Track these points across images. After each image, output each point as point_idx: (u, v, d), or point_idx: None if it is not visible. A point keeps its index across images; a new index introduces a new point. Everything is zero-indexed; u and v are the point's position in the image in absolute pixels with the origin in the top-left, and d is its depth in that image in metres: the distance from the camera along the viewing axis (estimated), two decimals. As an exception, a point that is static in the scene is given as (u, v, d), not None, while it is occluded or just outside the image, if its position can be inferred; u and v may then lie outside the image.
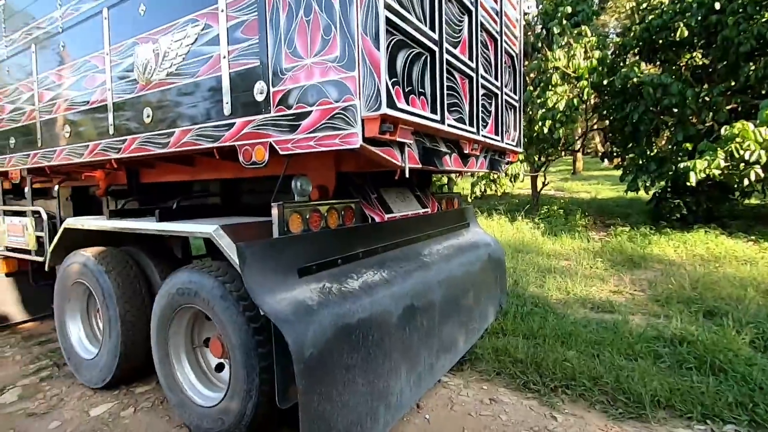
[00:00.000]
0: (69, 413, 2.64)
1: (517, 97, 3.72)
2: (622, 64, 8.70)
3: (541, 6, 9.06)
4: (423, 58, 1.95)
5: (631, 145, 8.82)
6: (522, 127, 3.84)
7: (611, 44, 8.98)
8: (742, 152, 5.69)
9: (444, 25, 2.07)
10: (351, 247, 2.18)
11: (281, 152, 1.81)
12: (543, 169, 10.33)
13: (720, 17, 7.11)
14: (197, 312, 2.28)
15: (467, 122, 2.58)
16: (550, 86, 8.18)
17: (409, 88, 1.83)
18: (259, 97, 1.85)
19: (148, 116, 2.34)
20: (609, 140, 10.31)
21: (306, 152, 1.74)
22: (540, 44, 9.37)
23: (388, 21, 1.61)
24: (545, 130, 8.18)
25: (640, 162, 8.18)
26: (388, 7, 1.59)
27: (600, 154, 13.76)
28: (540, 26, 9.84)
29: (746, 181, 5.99)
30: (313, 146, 1.70)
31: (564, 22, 8.25)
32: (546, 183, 10.62)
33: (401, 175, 1.89)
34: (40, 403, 2.79)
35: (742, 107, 7.39)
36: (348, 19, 1.58)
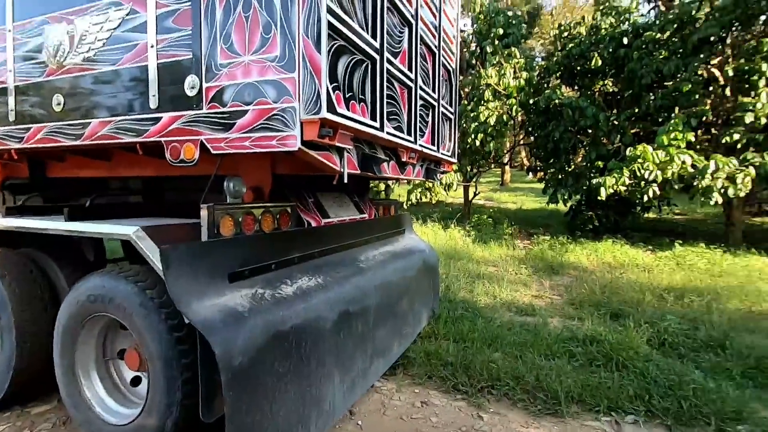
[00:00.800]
0: (-56, 441, 2.27)
1: (452, 110, 3.89)
2: (546, 86, 9.44)
3: (476, 25, 9.57)
4: (364, 65, 1.97)
5: (552, 160, 9.58)
6: (456, 138, 4.01)
7: (537, 67, 9.71)
8: (642, 172, 6.42)
9: (385, 35, 2.11)
10: (286, 251, 2.12)
11: (213, 151, 1.72)
12: (474, 179, 10.86)
13: (627, 51, 8.00)
14: (111, 321, 2.08)
15: (405, 131, 2.64)
16: (482, 101, 8.64)
17: (350, 93, 1.83)
18: (191, 92, 1.75)
19: (58, 104, 2.10)
20: (534, 155, 11.11)
21: (240, 152, 1.68)
22: (474, 61, 9.90)
23: (330, 25, 1.60)
24: (477, 143, 8.62)
25: (560, 177, 8.90)
26: (330, 11, 1.59)
27: (526, 167, 14.77)
28: (475, 44, 10.40)
29: (646, 197, 6.76)
30: (248, 147, 1.64)
31: (496, 42, 8.79)
32: (477, 193, 11.18)
33: (339, 180, 1.89)
34: None
35: (643, 132, 8.36)
36: (289, 20, 1.55)
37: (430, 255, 3.91)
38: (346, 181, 1.86)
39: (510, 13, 9.52)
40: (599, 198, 7.08)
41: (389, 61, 2.23)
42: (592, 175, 7.87)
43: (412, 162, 2.80)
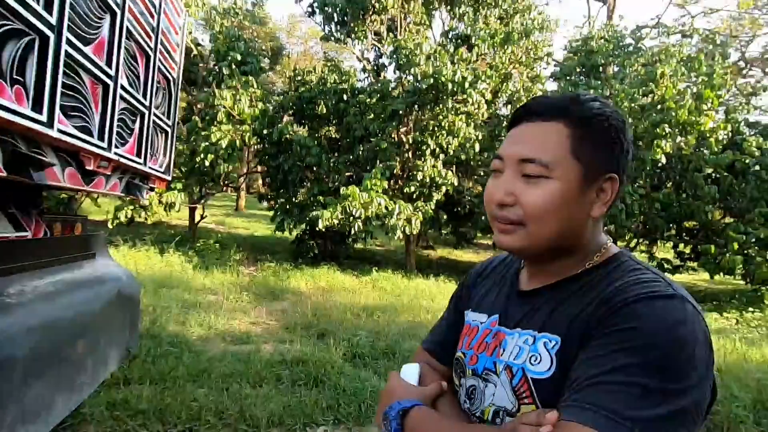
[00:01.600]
0: None
1: (170, 123, 3.53)
2: (280, 120, 10.01)
3: (214, 44, 9.27)
4: (26, 39, 1.52)
5: (282, 190, 10.12)
6: (173, 154, 3.66)
7: (273, 100, 10.21)
8: (351, 209, 7.60)
9: (67, 12, 1.71)
10: None
11: None
12: (203, 201, 10.20)
13: (346, 106, 9.48)
14: None
15: (97, 135, 2.19)
16: (215, 122, 8.33)
17: (-6, 69, 1.37)
18: None
19: None
20: (266, 184, 11.45)
21: None
22: (211, 79, 9.49)
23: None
24: (207, 164, 8.17)
25: (287, 207, 9.47)
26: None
27: (259, 195, 15.03)
28: (213, 63, 10.03)
29: (353, 230, 8.00)
30: None
31: (233, 67, 8.74)
32: (204, 216, 10.50)
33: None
34: None
35: (355, 175, 9.97)
36: None
37: (128, 284, 3.31)
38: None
39: (251, 44, 9.73)
40: (318, 228, 7.88)
41: (73, 45, 1.82)
42: (314, 207, 8.73)
43: (103, 172, 2.34)
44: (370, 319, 5.65)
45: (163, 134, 3.44)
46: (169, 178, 3.58)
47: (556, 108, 0.73)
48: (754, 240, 8.52)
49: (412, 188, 8.75)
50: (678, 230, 10.14)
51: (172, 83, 3.50)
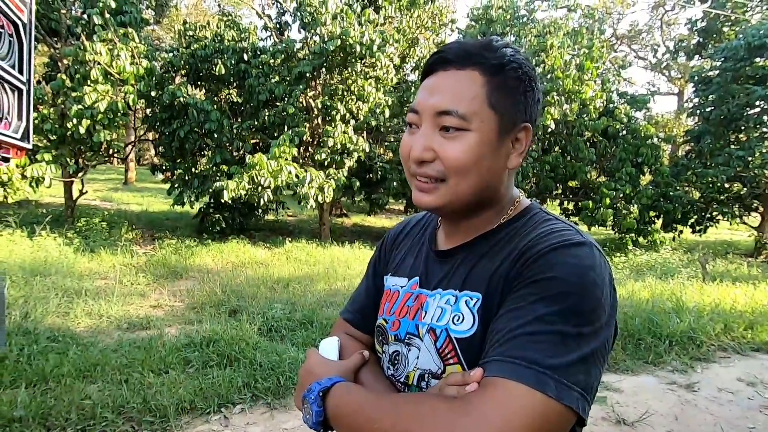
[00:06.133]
0: None
1: (24, 79, 2.91)
2: (171, 80, 8.93)
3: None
4: None
5: (179, 160, 9.18)
6: (32, 117, 3.05)
7: (160, 58, 9.04)
8: (259, 178, 7.19)
9: None
10: None
11: None
12: (81, 174, 8.86)
13: (247, 67, 8.76)
14: None
15: None
16: (89, 81, 7.14)
17: None
18: None
19: None
20: (159, 154, 10.29)
21: None
22: (79, 29, 8.04)
23: None
24: (82, 131, 7.04)
25: (186, 178, 8.66)
26: None
27: (151, 166, 13.50)
28: (81, 10, 8.49)
29: (262, 201, 7.62)
30: None
31: (107, 15, 7.49)
32: (85, 191, 9.17)
33: None
34: None
35: (262, 142, 9.40)
36: None
37: (-16, 275, 2.77)
38: None
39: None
40: (222, 200, 7.36)
41: None
42: (217, 178, 8.09)
43: (-73, 139, 1.85)
44: (285, 291, 5.51)
45: (16, 93, 2.83)
46: (29, 147, 2.99)
47: (470, 55, 0.69)
48: (621, 195, 9.93)
49: (323, 155, 8.52)
50: (563, 189, 11.41)
51: (22, 29, 2.86)
